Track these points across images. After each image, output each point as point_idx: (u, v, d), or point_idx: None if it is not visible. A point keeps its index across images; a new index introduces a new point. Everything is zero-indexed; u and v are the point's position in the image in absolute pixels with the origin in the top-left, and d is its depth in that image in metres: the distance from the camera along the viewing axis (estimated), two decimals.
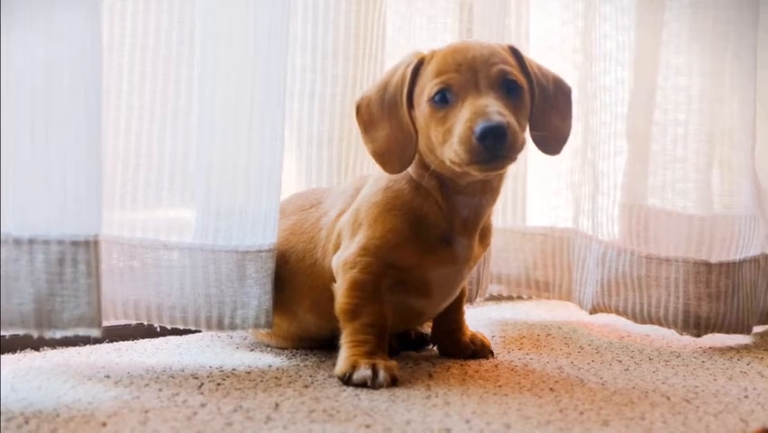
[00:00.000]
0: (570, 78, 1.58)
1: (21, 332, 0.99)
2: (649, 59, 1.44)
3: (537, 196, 1.68)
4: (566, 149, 1.58)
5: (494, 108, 1.01)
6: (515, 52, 1.11)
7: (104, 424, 0.87)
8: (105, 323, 1.22)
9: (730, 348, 1.37)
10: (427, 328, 1.31)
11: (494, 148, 0.99)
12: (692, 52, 1.42)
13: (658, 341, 1.41)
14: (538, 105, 1.11)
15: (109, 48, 1.14)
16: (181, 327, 1.16)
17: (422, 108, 1.07)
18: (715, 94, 1.42)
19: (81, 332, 0.99)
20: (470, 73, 1.04)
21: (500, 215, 1.60)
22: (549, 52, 1.64)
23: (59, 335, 0.99)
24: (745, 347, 1.38)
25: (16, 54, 0.96)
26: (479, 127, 0.99)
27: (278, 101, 1.15)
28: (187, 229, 1.16)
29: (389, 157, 1.10)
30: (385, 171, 1.11)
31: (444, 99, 1.05)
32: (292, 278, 1.18)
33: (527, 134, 1.10)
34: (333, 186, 1.31)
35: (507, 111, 1.02)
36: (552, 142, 1.14)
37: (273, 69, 1.14)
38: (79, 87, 0.99)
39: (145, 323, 1.16)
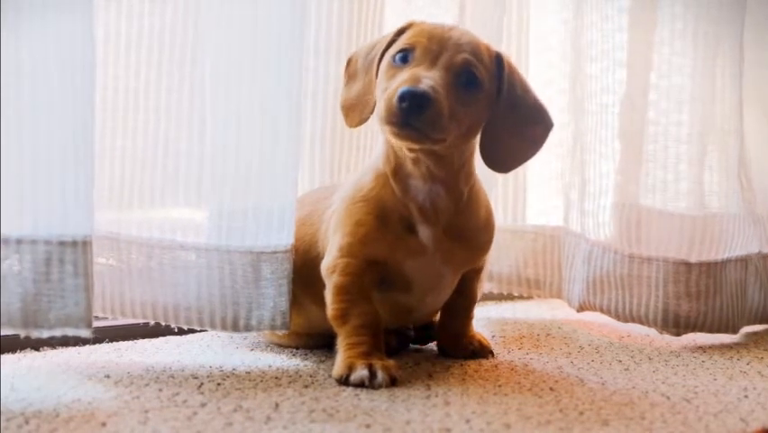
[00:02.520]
0: (566, 79, 1.59)
1: (8, 332, 0.99)
2: (641, 59, 1.44)
3: (537, 196, 1.69)
4: (561, 149, 1.60)
5: (428, 81, 1.01)
6: (498, 60, 1.10)
7: (104, 424, 0.87)
8: (121, 321, 1.24)
9: (730, 348, 1.37)
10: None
11: (408, 114, 0.99)
12: (684, 53, 1.43)
13: (658, 341, 1.41)
14: (500, 119, 1.10)
15: (127, 48, 1.14)
16: (197, 328, 1.17)
17: (383, 63, 1.09)
18: (704, 94, 1.43)
19: (69, 332, 0.99)
20: (436, 46, 1.05)
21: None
22: (548, 53, 1.64)
23: (45, 334, 0.98)
24: (745, 347, 1.38)
25: (5, 54, 0.96)
26: (401, 89, 0.99)
27: (291, 99, 1.15)
28: (202, 229, 1.16)
29: (352, 111, 1.13)
30: (346, 124, 1.14)
31: (404, 60, 1.06)
32: (301, 268, 1.18)
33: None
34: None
35: (445, 92, 1.02)
36: (501, 160, 1.13)
37: (286, 66, 1.14)
38: (70, 88, 0.98)
39: (162, 323, 1.16)
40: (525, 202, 1.65)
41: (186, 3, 1.16)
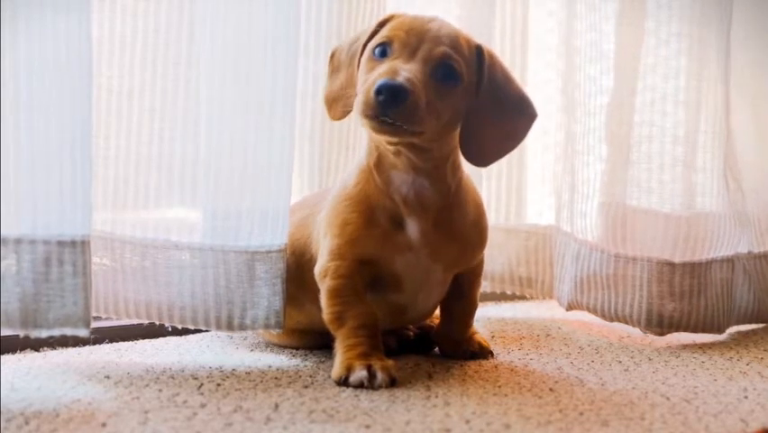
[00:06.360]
0: (557, 82, 1.59)
1: (7, 332, 0.99)
2: (630, 62, 1.45)
3: (536, 197, 1.69)
4: (559, 149, 1.60)
5: (405, 74, 1.01)
6: (478, 51, 1.10)
7: (104, 424, 0.87)
8: (117, 322, 1.24)
9: (730, 348, 1.37)
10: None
11: (385, 107, 0.99)
12: (670, 56, 1.43)
13: (658, 341, 1.41)
14: (480, 111, 1.09)
15: (121, 48, 1.14)
16: (192, 327, 1.17)
17: (364, 57, 1.09)
18: (689, 96, 1.44)
19: (68, 331, 0.99)
20: (415, 39, 1.05)
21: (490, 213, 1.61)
22: (547, 53, 1.64)
23: (44, 334, 0.98)
24: (745, 347, 1.38)
25: (3, 54, 0.96)
26: (378, 82, 0.99)
27: (286, 99, 1.15)
28: (197, 229, 1.16)
29: (335, 103, 1.13)
30: (329, 116, 1.15)
31: (383, 53, 1.06)
32: (297, 270, 1.18)
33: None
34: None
35: (422, 85, 1.01)
36: (481, 153, 1.11)
37: (281, 66, 1.14)
38: (68, 88, 0.98)
39: (157, 323, 1.16)
40: (520, 201, 1.65)
41: (180, 3, 1.16)
